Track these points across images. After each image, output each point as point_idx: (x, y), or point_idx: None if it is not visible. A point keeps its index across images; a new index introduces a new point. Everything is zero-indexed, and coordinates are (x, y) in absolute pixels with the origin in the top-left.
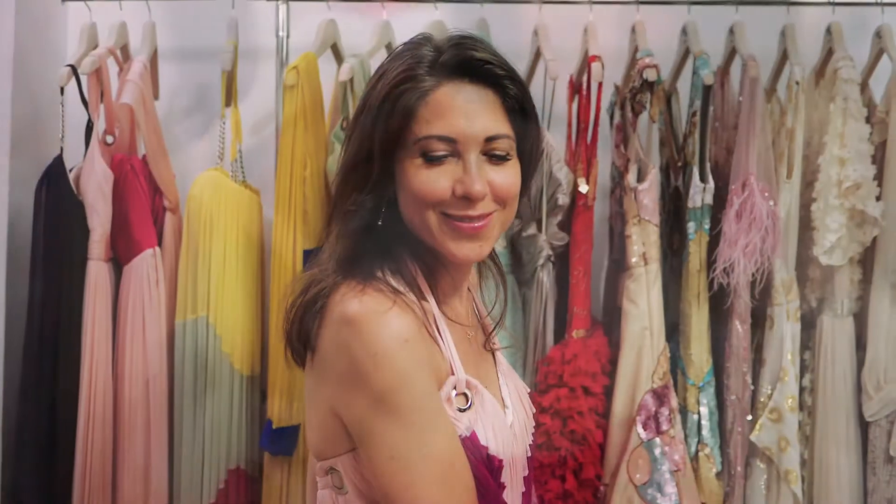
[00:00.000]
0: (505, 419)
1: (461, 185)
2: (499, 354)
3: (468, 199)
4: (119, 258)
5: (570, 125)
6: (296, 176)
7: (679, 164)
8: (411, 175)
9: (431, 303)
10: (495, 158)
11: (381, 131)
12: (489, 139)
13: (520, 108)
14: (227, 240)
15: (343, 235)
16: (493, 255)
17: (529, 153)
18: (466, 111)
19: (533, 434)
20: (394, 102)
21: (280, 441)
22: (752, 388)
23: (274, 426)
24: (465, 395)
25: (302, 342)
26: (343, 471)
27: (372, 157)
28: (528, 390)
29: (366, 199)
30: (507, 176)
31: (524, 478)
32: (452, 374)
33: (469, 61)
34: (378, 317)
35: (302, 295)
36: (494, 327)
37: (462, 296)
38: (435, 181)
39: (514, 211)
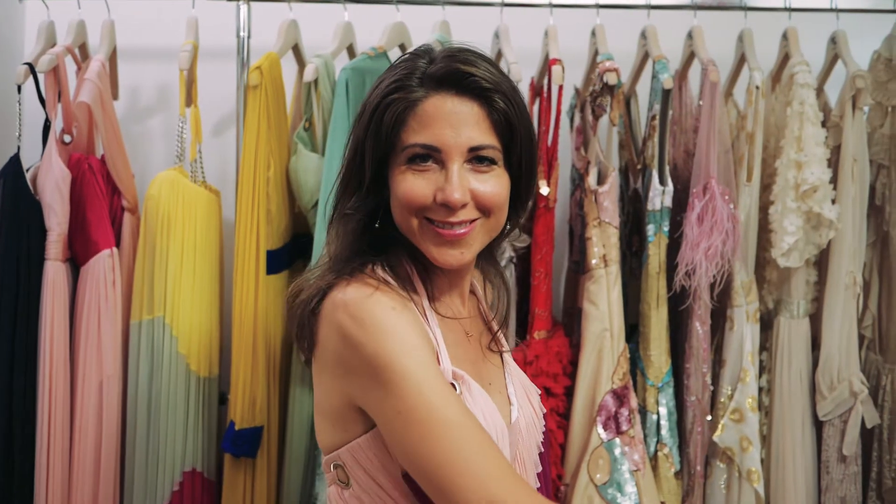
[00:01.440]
0: (495, 411)
1: (441, 193)
2: (507, 356)
3: (448, 207)
4: (76, 258)
5: (543, 129)
6: (259, 176)
7: (638, 166)
8: (398, 181)
9: (423, 298)
10: (480, 168)
11: (372, 138)
12: (473, 149)
13: (506, 120)
14: (185, 240)
15: (340, 236)
16: (494, 261)
17: (520, 164)
18: (451, 122)
19: (543, 433)
20: (384, 111)
21: (243, 443)
22: (711, 388)
23: (237, 428)
24: (452, 384)
25: (306, 340)
26: (346, 464)
27: (364, 163)
28: (540, 391)
29: (362, 203)
30: (491, 186)
31: (537, 474)
32: (439, 364)
33: (455, 73)
34: (364, 296)
35: (302, 295)
36: (498, 329)
37: (462, 296)
38: (418, 188)
39: (502, 219)
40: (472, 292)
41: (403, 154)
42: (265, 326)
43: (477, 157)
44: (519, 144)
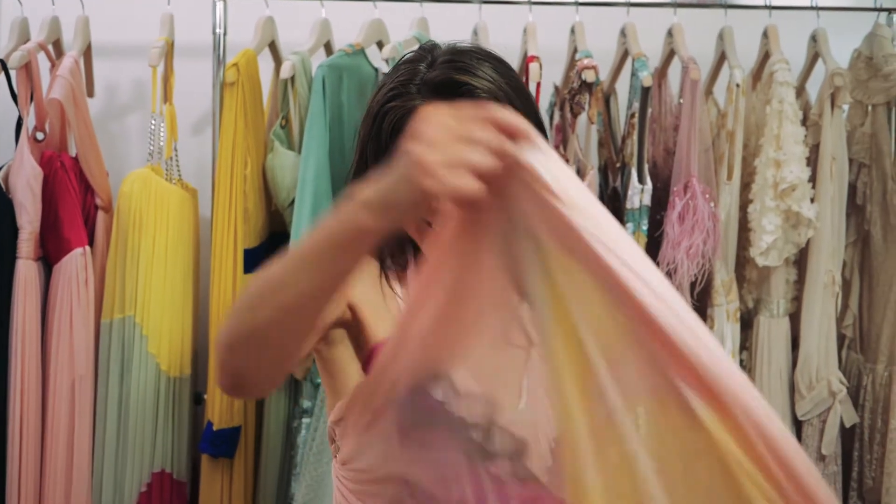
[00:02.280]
0: None
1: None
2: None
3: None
4: (48, 257)
5: None
6: (236, 174)
7: (617, 165)
8: None
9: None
10: None
11: (373, 143)
12: None
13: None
14: (157, 238)
15: None
16: None
17: None
18: None
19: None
20: (383, 119)
21: (221, 443)
22: None
23: (215, 428)
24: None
25: None
26: (334, 431)
27: (367, 163)
28: None
29: None
30: None
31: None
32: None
33: (449, 83)
34: None
35: None
36: None
37: None
38: None
39: None
40: None
41: None
42: None
43: None
44: None
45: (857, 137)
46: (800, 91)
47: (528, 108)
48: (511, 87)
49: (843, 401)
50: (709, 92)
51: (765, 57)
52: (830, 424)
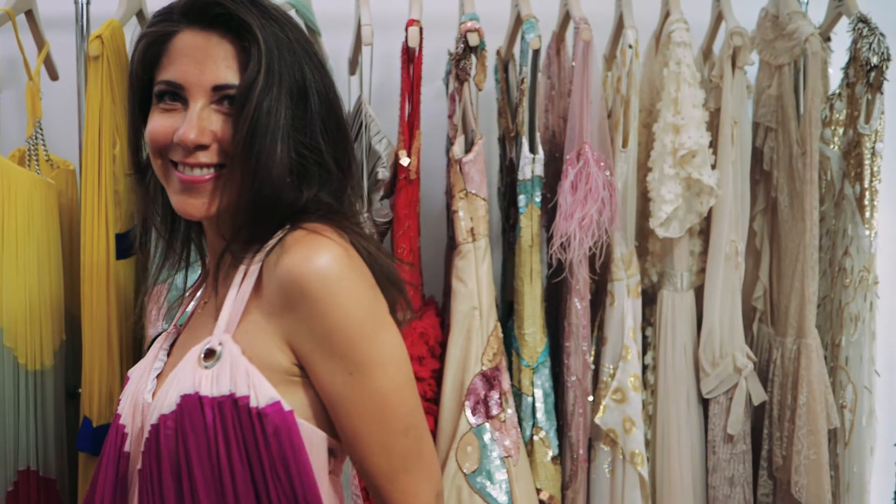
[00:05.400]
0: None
1: (177, 132)
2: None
3: (185, 147)
4: None
5: (403, 96)
6: (104, 154)
7: (512, 134)
8: (149, 122)
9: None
10: (225, 110)
11: (134, 77)
12: (217, 88)
13: (263, 60)
14: (6, 225)
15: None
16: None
17: (267, 107)
18: (196, 58)
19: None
20: (142, 52)
21: (101, 440)
22: (593, 367)
23: (95, 425)
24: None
25: None
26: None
27: (134, 109)
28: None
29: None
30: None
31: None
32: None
33: (196, 4)
34: None
35: None
36: None
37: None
38: (160, 126)
39: (259, 171)
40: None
41: (156, 93)
42: (119, 316)
43: (225, 98)
44: (278, 89)
45: (764, 100)
46: (707, 53)
47: (288, 44)
48: (271, 19)
49: (750, 377)
50: (612, 56)
51: (666, 17)
52: (736, 402)
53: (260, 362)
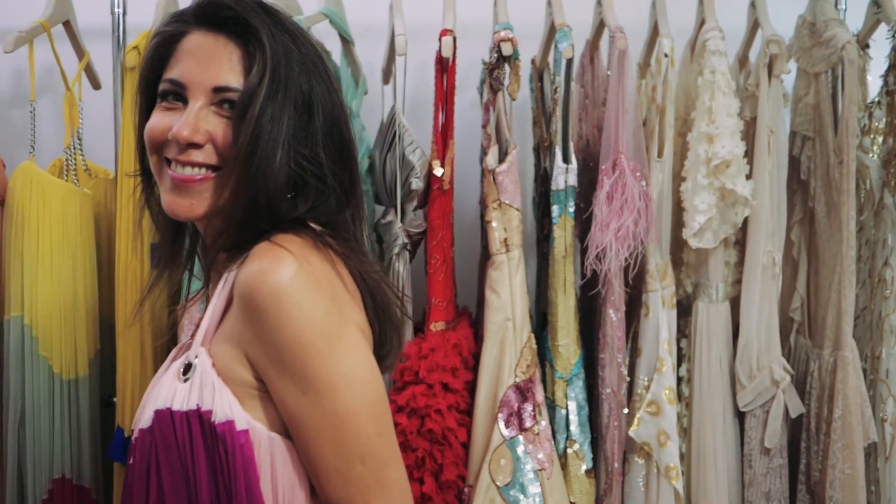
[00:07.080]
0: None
1: (172, 129)
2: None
3: (178, 144)
4: None
5: (437, 106)
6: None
7: (546, 144)
8: (150, 119)
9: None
10: (224, 112)
11: (143, 76)
12: (218, 90)
13: (269, 65)
14: (41, 236)
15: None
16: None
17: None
18: (201, 58)
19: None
20: (152, 51)
21: None
22: (628, 379)
23: (126, 434)
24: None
25: None
26: None
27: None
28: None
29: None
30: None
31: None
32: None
33: (203, 5)
34: None
35: None
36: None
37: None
38: (158, 123)
39: (256, 179)
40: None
41: (159, 92)
42: (153, 325)
43: (225, 101)
44: (283, 97)
45: (801, 109)
46: (743, 61)
47: (293, 51)
48: (276, 24)
49: (787, 389)
50: (646, 64)
51: (701, 25)
52: (774, 415)
53: (226, 376)
